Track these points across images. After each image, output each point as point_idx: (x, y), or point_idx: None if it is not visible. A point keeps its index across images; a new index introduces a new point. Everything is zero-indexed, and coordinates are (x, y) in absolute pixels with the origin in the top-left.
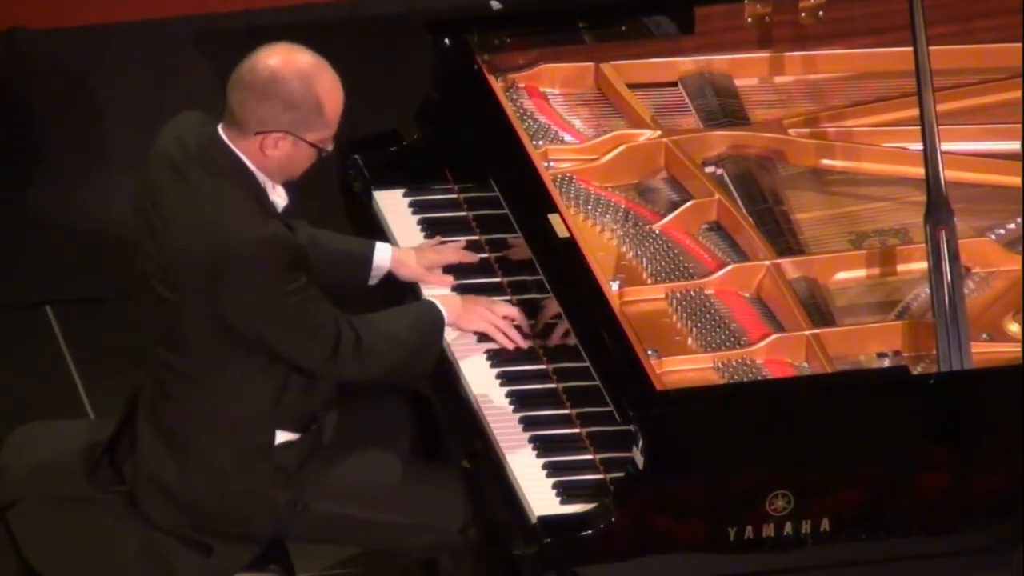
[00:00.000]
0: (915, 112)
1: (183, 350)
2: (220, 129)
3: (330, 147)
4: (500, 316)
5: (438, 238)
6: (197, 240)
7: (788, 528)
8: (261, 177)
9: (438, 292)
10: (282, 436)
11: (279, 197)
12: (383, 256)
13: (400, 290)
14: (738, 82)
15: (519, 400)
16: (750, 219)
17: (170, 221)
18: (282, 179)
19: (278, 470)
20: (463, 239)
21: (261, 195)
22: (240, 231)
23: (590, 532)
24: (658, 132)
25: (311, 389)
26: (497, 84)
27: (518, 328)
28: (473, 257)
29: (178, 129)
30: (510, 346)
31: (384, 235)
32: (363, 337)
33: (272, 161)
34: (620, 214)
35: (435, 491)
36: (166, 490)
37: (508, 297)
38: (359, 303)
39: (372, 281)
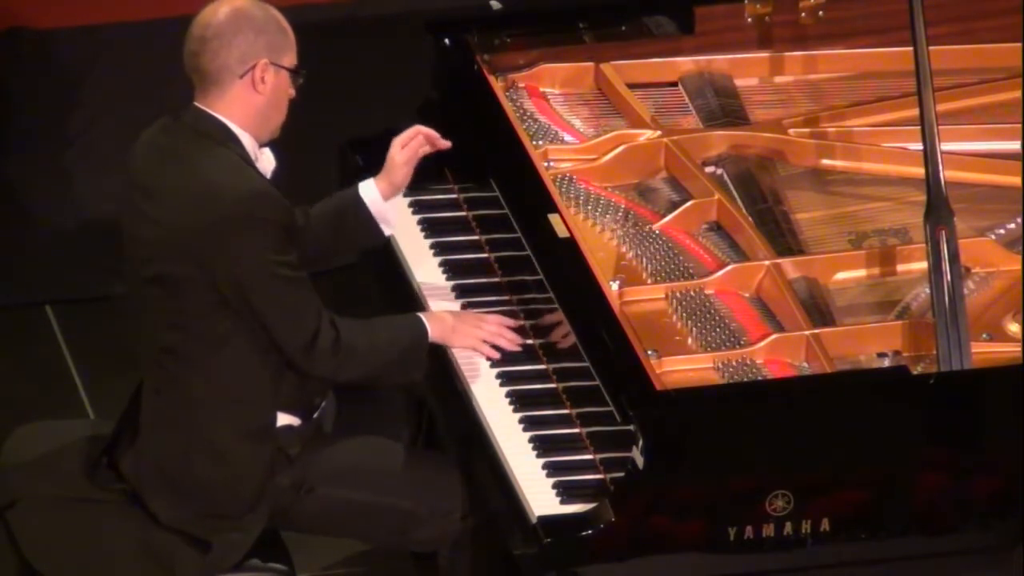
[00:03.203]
0: (915, 112)
1: (183, 330)
2: (197, 104)
3: (302, 74)
4: (488, 331)
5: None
6: (192, 202)
7: (788, 528)
8: (247, 142)
9: (437, 306)
10: (283, 419)
11: (267, 163)
12: (369, 191)
13: (404, 295)
14: (738, 82)
15: (519, 400)
16: (750, 219)
17: (164, 195)
18: (268, 130)
19: (280, 451)
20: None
21: (249, 159)
22: (233, 187)
23: (590, 532)
24: (658, 132)
25: (309, 374)
26: (497, 84)
27: (513, 338)
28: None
29: (161, 123)
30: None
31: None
32: (343, 336)
33: (262, 102)
34: (620, 214)
35: (436, 478)
36: (169, 477)
37: (507, 297)
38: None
39: (387, 229)
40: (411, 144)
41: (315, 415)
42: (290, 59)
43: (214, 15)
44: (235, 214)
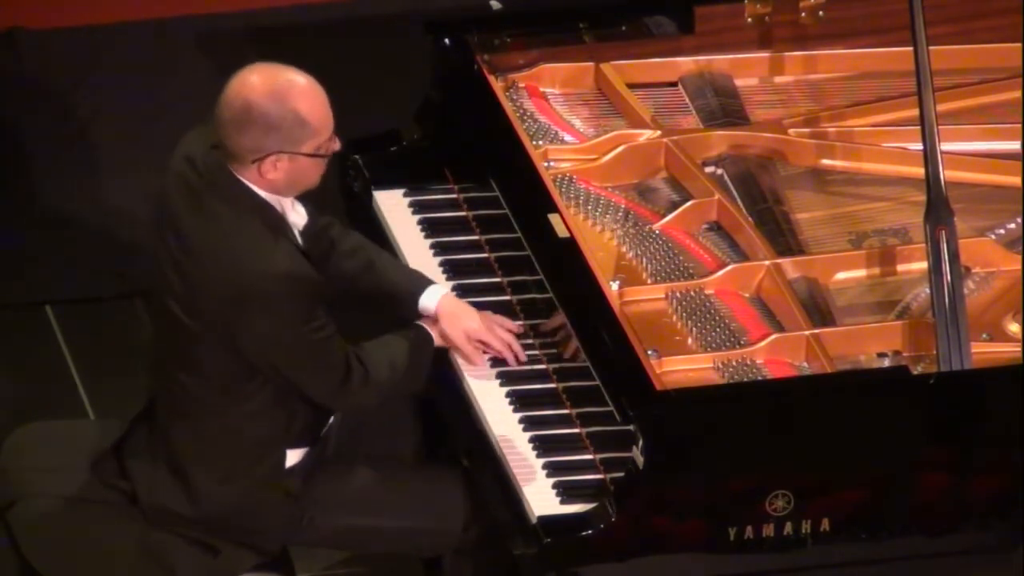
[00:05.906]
0: (915, 112)
1: (200, 375)
2: (227, 165)
3: (335, 147)
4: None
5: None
6: (218, 274)
7: (788, 528)
8: (275, 200)
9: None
10: (292, 456)
11: (298, 216)
12: (430, 299)
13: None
14: (738, 82)
15: (519, 400)
16: (750, 219)
17: (192, 253)
18: (298, 191)
19: (286, 489)
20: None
21: (279, 222)
22: (260, 266)
23: (590, 532)
24: (658, 132)
25: (319, 408)
26: (497, 84)
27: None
28: (521, 356)
29: (189, 148)
30: (492, 360)
31: (384, 235)
32: (370, 372)
33: (276, 183)
34: (620, 214)
35: (438, 493)
36: (179, 513)
37: (507, 297)
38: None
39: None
40: (488, 342)
41: (322, 432)
42: (310, 145)
43: (234, 96)
44: (259, 293)
